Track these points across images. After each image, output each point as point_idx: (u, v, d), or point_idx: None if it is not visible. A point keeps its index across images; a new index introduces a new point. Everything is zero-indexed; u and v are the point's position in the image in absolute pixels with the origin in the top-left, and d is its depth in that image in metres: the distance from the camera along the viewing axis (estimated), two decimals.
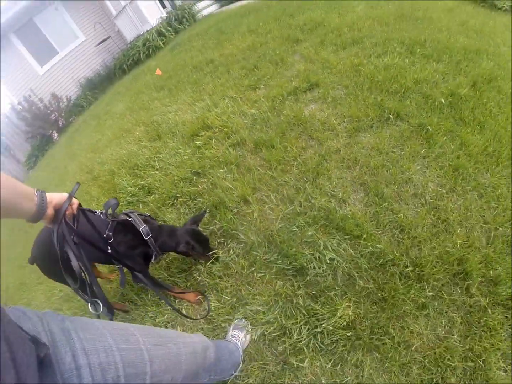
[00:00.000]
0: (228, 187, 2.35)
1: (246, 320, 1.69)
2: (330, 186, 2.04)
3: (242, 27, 5.79)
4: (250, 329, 1.67)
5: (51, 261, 1.70)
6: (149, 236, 1.83)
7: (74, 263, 1.07)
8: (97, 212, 1.66)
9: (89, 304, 1.13)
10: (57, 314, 0.84)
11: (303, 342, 1.52)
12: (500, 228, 1.64)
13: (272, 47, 4.30)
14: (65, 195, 1.10)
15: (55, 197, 1.07)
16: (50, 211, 1.05)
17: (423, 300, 1.48)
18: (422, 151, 2.11)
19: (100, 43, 11.31)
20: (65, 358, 0.72)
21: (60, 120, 9.85)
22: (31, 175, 10.10)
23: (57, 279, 1.92)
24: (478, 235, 1.64)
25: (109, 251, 1.69)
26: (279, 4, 6.39)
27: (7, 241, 5.68)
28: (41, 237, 1.91)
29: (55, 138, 9.72)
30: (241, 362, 1.57)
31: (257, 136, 2.68)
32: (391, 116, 2.42)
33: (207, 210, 2.28)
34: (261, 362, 1.56)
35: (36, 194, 0.99)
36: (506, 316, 1.42)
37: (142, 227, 1.83)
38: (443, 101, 2.44)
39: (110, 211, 1.84)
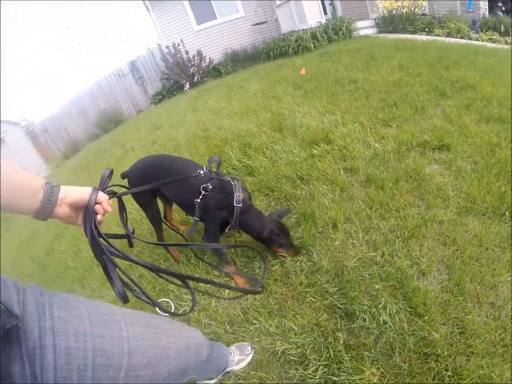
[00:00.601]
0: (325, 205, 2.45)
1: (253, 349, 1.69)
2: (418, 252, 2.01)
3: (393, 60, 5.77)
4: (248, 359, 1.66)
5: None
6: (238, 205, 1.94)
7: (118, 285, 0.91)
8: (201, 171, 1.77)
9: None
10: (39, 287, 0.80)
11: (312, 380, 1.53)
12: None
13: (417, 92, 4.25)
14: (87, 190, 0.92)
15: (73, 193, 0.89)
16: (63, 209, 0.88)
17: None
18: None
19: (256, 24, 11.95)
20: (31, 335, 0.70)
21: (196, 76, 10.63)
22: (152, 109, 11.25)
23: (138, 200, 2.31)
24: None
25: (198, 200, 1.91)
26: (437, 51, 6.26)
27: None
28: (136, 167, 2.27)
29: (186, 88, 10.50)
30: (223, 372, 1.59)
31: (372, 171, 2.74)
32: (507, 212, 2.26)
33: (296, 217, 2.43)
34: (265, 375, 1.61)
35: (43, 187, 0.82)
36: None
37: (238, 194, 1.95)
38: None
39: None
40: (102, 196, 0.94)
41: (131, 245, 1.07)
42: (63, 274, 3.26)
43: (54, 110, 14.90)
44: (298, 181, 2.81)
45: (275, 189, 2.79)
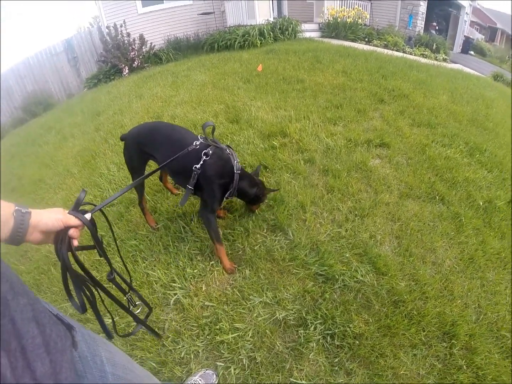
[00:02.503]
0: (291, 190, 2.78)
1: (218, 377, 1.71)
2: (373, 228, 2.47)
3: (337, 65, 6.28)
4: None
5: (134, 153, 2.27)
6: (238, 172, 2.05)
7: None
8: (197, 142, 1.93)
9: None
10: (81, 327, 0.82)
11: (315, 338, 1.82)
12: (489, 313, 2.02)
13: (359, 96, 4.77)
14: (59, 218, 0.88)
15: (46, 221, 0.85)
16: (35, 236, 0.84)
17: (417, 341, 1.82)
18: (451, 233, 2.53)
19: (203, 14, 11.91)
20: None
21: (136, 60, 10.15)
22: (86, 93, 10.46)
23: (131, 164, 2.38)
24: (471, 313, 2.01)
25: (198, 166, 1.94)
26: (377, 61, 6.92)
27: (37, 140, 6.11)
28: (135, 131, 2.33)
29: (124, 73, 10.00)
30: None
31: (327, 162, 3.13)
32: (437, 197, 2.87)
33: (266, 201, 2.63)
34: (271, 344, 1.82)
35: (13, 215, 0.77)
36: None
37: (236, 160, 2.06)
38: (481, 203, 2.87)
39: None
40: (75, 221, 0.92)
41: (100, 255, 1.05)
42: None
43: None
44: (263, 170, 3.08)
45: None
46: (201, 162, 1.97)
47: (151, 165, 2.73)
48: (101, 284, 0.97)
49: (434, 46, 11.67)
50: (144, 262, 2.35)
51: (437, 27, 16.42)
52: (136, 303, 1.18)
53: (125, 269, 1.36)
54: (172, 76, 7.39)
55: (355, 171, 3.07)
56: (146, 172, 2.24)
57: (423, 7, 13.29)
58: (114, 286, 1.05)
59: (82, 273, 0.93)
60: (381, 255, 2.24)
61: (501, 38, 30.75)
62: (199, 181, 2.02)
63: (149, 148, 2.20)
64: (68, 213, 0.92)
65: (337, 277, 2.09)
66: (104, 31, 10.38)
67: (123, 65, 10.02)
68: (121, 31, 10.10)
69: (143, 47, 10.49)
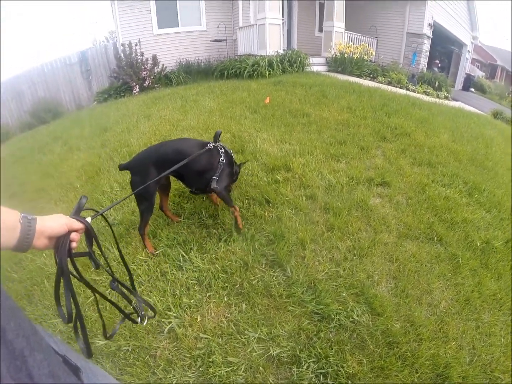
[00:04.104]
0: (292, 227, 2.85)
1: None
2: (371, 268, 2.53)
3: (342, 101, 6.45)
4: None
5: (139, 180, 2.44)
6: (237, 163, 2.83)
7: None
8: (210, 144, 2.54)
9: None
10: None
11: (308, 376, 1.83)
12: (483, 355, 2.06)
13: (363, 133, 4.90)
14: (64, 222, 0.93)
15: (51, 226, 0.89)
16: (41, 241, 0.87)
17: (409, 383, 1.85)
18: (448, 275, 2.59)
19: (215, 40, 12.38)
20: None
21: (147, 80, 10.42)
22: (95, 106, 10.62)
23: (142, 193, 2.44)
24: (465, 354, 2.05)
25: (222, 158, 2.58)
26: (381, 98, 7.09)
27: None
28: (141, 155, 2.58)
29: (135, 91, 10.24)
30: None
31: (329, 200, 3.21)
32: (435, 237, 2.93)
33: (266, 235, 2.78)
34: (263, 380, 1.84)
35: (20, 222, 0.81)
36: None
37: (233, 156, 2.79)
38: (478, 245, 2.92)
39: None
40: (78, 225, 0.97)
41: (96, 266, 1.08)
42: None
43: None
44: (265, 204, 3.16)
45: (242, 209, 3.08)
46: (223, 155, 2.60)
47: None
48: (95, 289, 1.05)
49: (437, 84, 11.99)
50: (141, 287, 2.39)
51: (439, 65, 16.90)
52: (142, 312, 1.23)
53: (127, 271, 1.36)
54: (181, 99, 7.48)
55: (356, 209, 3.15)
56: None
57: (427, 45, 13.72)
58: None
59: (77, 278, 0.98)
60: (377, 296, 2.29)
61: (501, 74, 31.49)
62: (205, 177, 2.59)
63: (169, 165, 2.17)
64: (70, 217, 0.97)
65: (333, 316, 2.13)
66: (119, 48, 10.70)
67: (134, 83, 10.27)
68: (136, 49, 10.42)
69: (155, 67, 10.78)
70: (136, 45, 10.47)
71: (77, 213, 1.02)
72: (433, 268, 2.65)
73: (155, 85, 10.57)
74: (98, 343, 2.02)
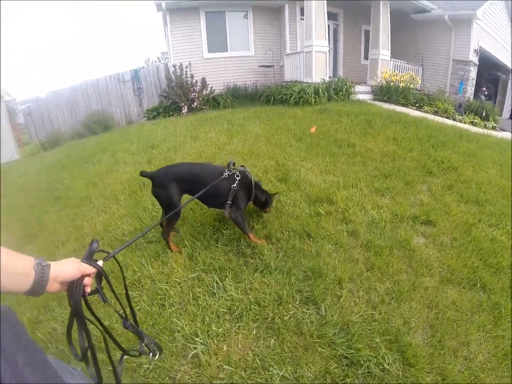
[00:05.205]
0: (331, 264, 2.83)
1: None
2: (408, 313, 2.43)
3: (388, 131, 6.40)
4: None
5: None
6: (254, 183, 3.04)
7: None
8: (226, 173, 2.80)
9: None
10: None
11: None
12: None
13: (408, 166, 4.82)
14: (77, 268, 0.97)
15: (65, 272, 0.93)
16: (54, 287, 0.91)
17: None
18: (488, 326, 2.42)
19: (263, 66, 12.79)
20: None
21: (196, 101, 10.93)
22: (143, 122, 11.13)
23: (167, 200, 2.85)
24: None
25: (235, 185, 2.82)
26: (427, 129, 6.94)
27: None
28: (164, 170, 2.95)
29: (183, 111, 10.76)
30: None
31: (371, 237, 3.17)
32: (478, 283, 2.78)
33: (304, 270, 2.78)
34: None
35: (34, 268, 0.84)
36: None
37: (253, 178, 3.09)
38: None
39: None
40: (89, 269, 1.01)
41: (104, 300, 1.11)
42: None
43: (43, 94, 14.02)
44: (305, 237, 3.17)
45: (281, 240, 3.13)
46: (237, 182, 2.85)
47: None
48: (107, 329, 1.11)
49: (484, 113, 11.60)
50: (171, 308, 2.44)
51: (486, 92, 16.34)
52: (154, 349, 1.30)
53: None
54: (227, 123, 7.68)
55: (398, 249, 3.09)
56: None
57: (473, 73, 13.34)
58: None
59: (90, 319, 1.04)
60: (412, 344, 2.19)
61: None
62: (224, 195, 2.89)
63: (187, 185, 2.86)
64: (81, 261, 1.02)
65: (363, 362, 2.06)
66: (170, 69, 11.40)
67: (183, 104, 10.81)
68: (186, 71, 11.06)
69: (204, 89, 11.30)
70: (186, 67, 11.11)
71: (89, 257, 1.06)
72: (473, 317, 2.50)
73: (203, 107, 11.07)
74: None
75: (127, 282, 1.41)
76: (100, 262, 1.09)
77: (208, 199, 3.00)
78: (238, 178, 2.87)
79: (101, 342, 1.25)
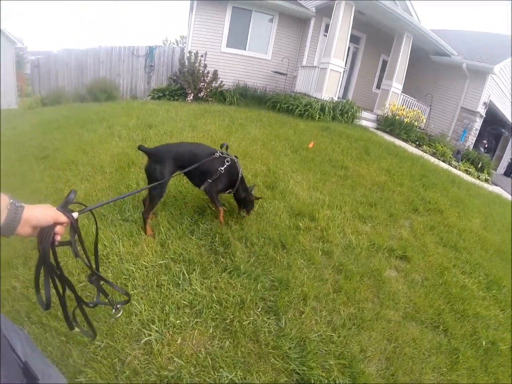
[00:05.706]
0: (300, 278, 2.82)
1: None
2: (367, 341, 2.43)
3: (383, 162, 6.47)
4: None
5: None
6: (241, 176, 3.12)
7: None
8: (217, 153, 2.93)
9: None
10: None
11: None
12: None
13: (395, 199, 4.87)
14: (51, 214, 0.96)
15: (37, 216, 0.92)
16: (25, 230, 0.90)
17: None
18: (444, 369, 2.43)
19: (276, 72, 12.87)
20: None
21: (203, 92, 11.00)
22: (147, 101, 11.04)
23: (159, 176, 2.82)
24: None
25: (222, 169, 2.94)
26: (422, 168, 7.05)
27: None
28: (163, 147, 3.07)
29: (188, 98, 10.80)
30: None
31: (344, 261, 3.17)
32: (441, 326, 2.79)
33: (272, 279, 2.77)
34: None
35: (8, 207, 0.84)
36: None
37: (240, 169, 3.14)
38: (483, 344, 2.76)
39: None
40: (63, 218, 1.00)
41: (76, 255, 1.11)
42: None
43: (56, 49, 13.83)
44: (280, 247, 3.15)
45: (256, 245, 3.10)
46: (225, 166, 2.96)
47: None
48: (68, 280, 1.09)
49: (480, 164, 11.79)
50: (133, 290, 2.40)
51: (486, 145, 16.64)
52: (118, 306, 1.34)
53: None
54: (229, 119, 7.66)
55: (368, 277, 3.09)
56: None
57: (478, 124, 13.54)
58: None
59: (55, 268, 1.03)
60: (365, 373, 2.18)
61: None
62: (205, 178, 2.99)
63: (184, 164, 2.83)
64: (57, 209, 1.01)
65: (313, 381, 2.04)
66: (186, 54, 11.39)
67: (190, 91, 10.80)
68: (200, 60, 10.99)
69: (214, 82, 11.30)
70: (202, 56, 11.09)
71: (64, 207, 1.05)
72: (430, 358, 2.51)
73: (209, 99, 11.08)
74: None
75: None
76: (75, 214, 1.08)
77: (196, 177, 3.07)
78: (227, 164, 2.97)
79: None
